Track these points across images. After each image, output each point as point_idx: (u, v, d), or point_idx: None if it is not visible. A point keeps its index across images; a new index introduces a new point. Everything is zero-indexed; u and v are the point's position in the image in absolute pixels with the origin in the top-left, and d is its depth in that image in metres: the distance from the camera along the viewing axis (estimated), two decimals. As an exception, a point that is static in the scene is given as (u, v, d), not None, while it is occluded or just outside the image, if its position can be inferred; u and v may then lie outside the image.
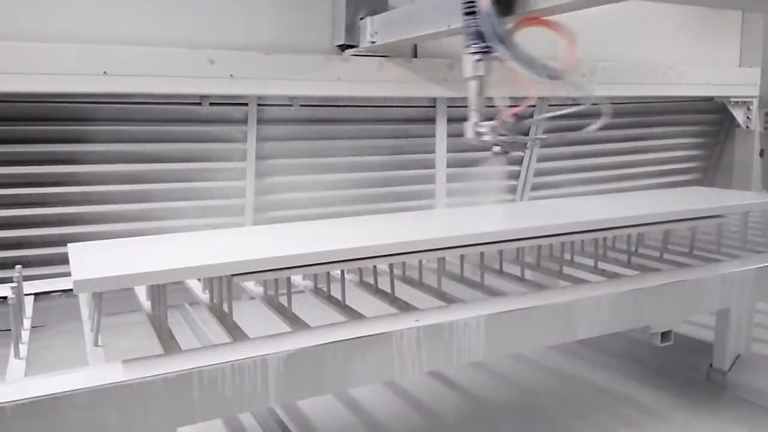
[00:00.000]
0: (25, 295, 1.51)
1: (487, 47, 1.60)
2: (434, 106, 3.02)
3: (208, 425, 1.23)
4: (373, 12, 2.69)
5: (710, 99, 3.84)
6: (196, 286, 1.61)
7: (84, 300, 1.46)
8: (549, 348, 2.14)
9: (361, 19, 2.72)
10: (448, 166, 3.12)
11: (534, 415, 1.82)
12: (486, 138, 1.65)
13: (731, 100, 3.81)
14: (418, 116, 3.03)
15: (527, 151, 3.33)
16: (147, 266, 1.14)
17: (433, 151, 3.09)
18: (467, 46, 1.64)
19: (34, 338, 1.33)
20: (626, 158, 3.69)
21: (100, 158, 2.45)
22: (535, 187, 3.45)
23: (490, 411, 1.84)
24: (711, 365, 1.95)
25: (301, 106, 2.76)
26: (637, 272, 1.74)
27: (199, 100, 2.57)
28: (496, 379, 2.04)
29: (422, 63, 2.84)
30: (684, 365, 2.03)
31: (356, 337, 1.22)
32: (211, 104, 2.59)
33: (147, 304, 1.42)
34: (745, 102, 3.82)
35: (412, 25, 2.45)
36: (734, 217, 2.09)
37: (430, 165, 3.11)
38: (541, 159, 3.41)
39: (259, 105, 2.68)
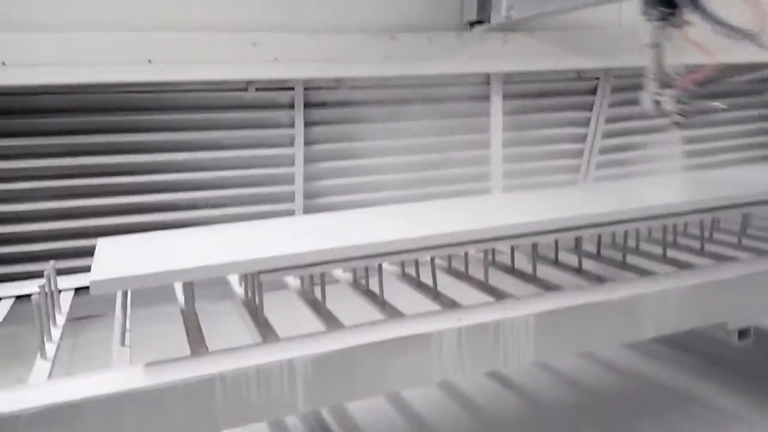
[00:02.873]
0: (65, 290, 1.49)
1: (671, 13, 1.56)
2: (488, 83, 2.86)
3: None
4: (507, -15, 2.54)
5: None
6: (234, 279, 1.56)
7: (120, 295, 1.43)
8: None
9: None
10: (504, 146, 2.96)
11: (599, 416, 1.68)
12: (666, 107, 1.63)
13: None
14: (471, 94, 2.88)
15: (592, 128, 3.13)
16: (161, 265, 1.08)
17: (488, 131, 2.94)
18: (646, 12, 1.61)
19: (71, 334, 1.31)
20: (702, 132, 3.40)
21: (146, 148, 2.44)
22: (601, 166, 3.24)
23: (550, 413, 1.71)
24: (798, 364, 1.76)
25: (349, 87, 2.67)
26: (711, 261, 1.56)
27: (245, 85, 2.52)
28: (559, 377, 1.90)
29: (475, 37, 2.68)
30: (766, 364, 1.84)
31: (391, 339, 1.13)
32: (257, 90, 2.54)
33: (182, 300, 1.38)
34: (838, 67, 3.44)
35: None
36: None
37: (485, 146, 2.96)
38: (607, 135, 3.19)
39: (305, 89, 2.60)
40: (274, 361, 1.04)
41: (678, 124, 1.64)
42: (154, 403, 0.98)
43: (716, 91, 1.70)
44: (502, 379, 1.87)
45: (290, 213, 2.77)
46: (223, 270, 1.09)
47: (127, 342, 1.20)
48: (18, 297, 1.48)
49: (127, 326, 1.26)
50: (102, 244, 1.28)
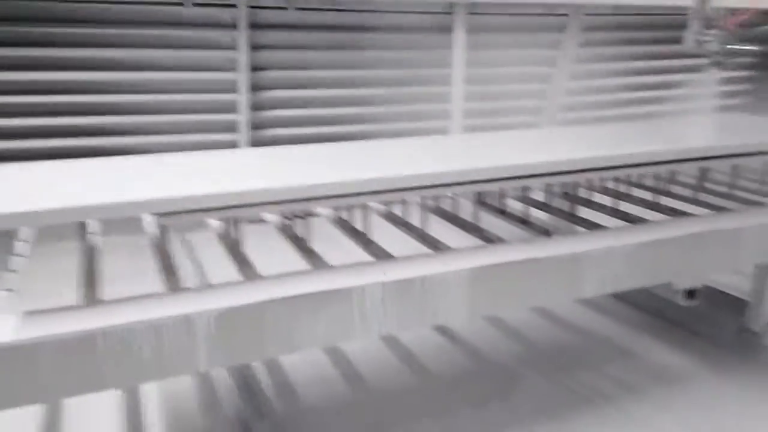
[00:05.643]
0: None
1: None
2: (451, 13, 2.68)
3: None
4: None
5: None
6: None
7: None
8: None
9: None
10: (468, 83, 2.81)
11: (539, 368, 1.62)
12: (710, 48, 1.68)
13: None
14: (432, 24, 2.69)
15: (559, 68, 2.99)
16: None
17: (450, 66, 2.77)
18: None
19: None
20: (672, 78, 3.29)
21: (70, 65, 2.21)
22: (566, 108, 3.11)
23: (489, 365, 1.65)
24: (743, 325, 1.72)
25: (299, 9, 2.45)
26: (663, 217, 1.48)
27: (181, 0, 2.29)
28: (500, 328, 1.83)
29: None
30: (713, 322, 1.80)
31: (308, 293, 1.02)
32: (194, 5, 2.31)
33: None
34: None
35: None
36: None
37: (446, 82, 2.80)
38: (575, 77, 3.05)
39: (250, 7, 2.38)
40: (169, 316, 0.92)
41: (719, 65, 1.71)
42: (22, 361, 0.86)
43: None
44: (440, 328, 1.80)
45: (234, 144, 2.59)
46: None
47: (13, 286, 1.06)
48: None
49: (16, 267, 1.12)
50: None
